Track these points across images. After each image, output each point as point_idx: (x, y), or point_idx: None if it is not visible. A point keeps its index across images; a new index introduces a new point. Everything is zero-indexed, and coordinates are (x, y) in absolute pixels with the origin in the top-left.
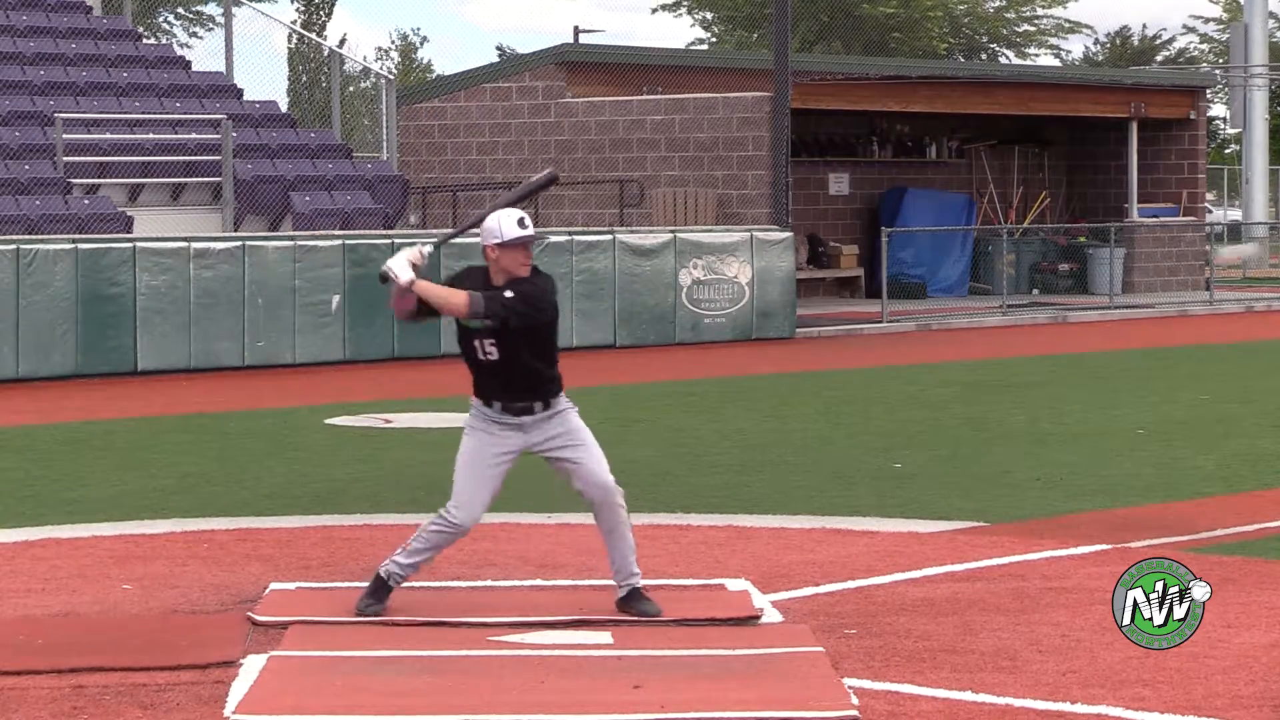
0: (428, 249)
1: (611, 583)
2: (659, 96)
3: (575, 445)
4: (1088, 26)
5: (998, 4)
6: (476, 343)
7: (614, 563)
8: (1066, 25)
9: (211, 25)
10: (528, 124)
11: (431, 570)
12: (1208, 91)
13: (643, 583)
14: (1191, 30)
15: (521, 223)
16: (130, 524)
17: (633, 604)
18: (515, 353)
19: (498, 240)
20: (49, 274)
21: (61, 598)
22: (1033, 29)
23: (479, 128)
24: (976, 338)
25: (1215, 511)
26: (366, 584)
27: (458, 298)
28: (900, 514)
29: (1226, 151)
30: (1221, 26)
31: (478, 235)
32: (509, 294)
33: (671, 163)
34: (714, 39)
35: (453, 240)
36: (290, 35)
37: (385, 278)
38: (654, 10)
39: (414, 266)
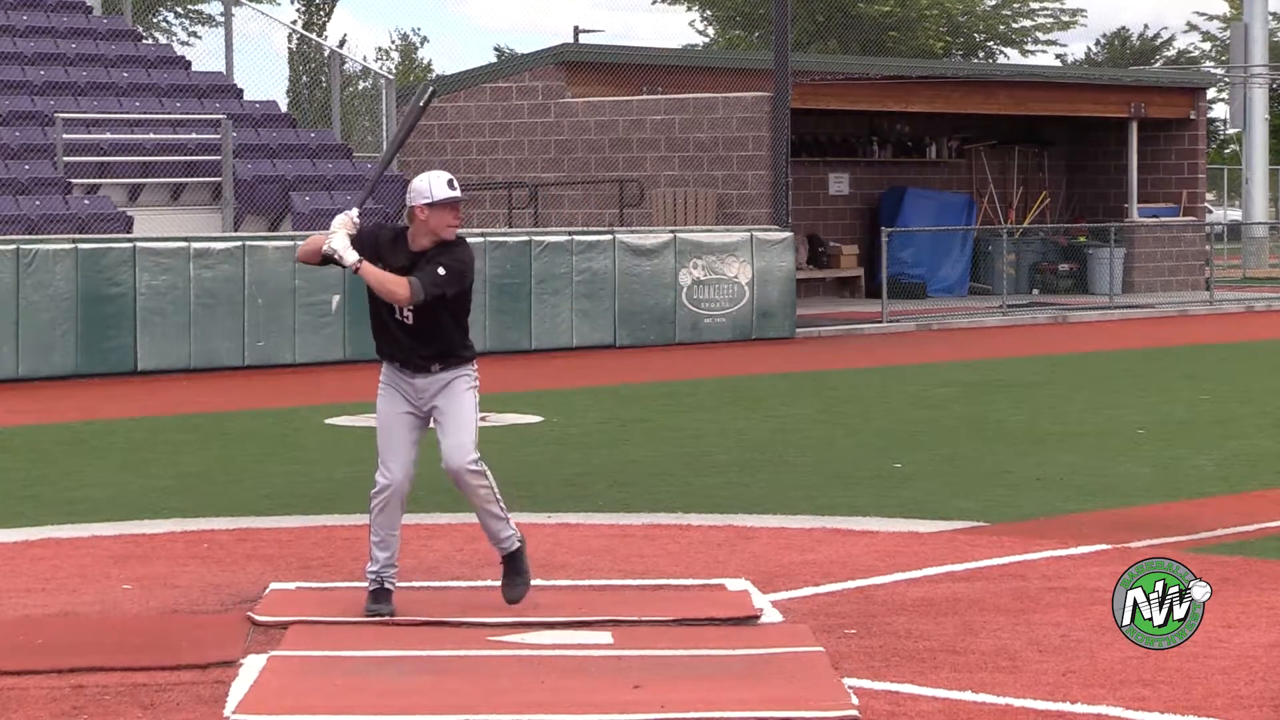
0: (355, 213)
1: (612, 582)
2: (659, 96)
3: (444, 419)
4: (1083, 13)
5: (994, 1)
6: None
7: (488, 537)
8: (1064, 19)
9: (212, 23)
10: (527, 124)
11: (431, 570)
12: (1208, 91)
13: (515, 547)
14: (1194, 28)
15: (451, 183)
16: (130, 524)
17: (509, 566)
18: (430, 320)
19: (427, 200)
20: (49, 274)
21: (61, 598)
22: (1030, 24)
23: (479, 128)
24: (976, 338)
25: (1215, 511)
26: (366, 584)
27: (401, 289)
28: (900, 514)
29: (1226, 152)
30: (1224, 26)
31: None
32: (441, 271)
33: (671, 163)
34: (710, 41)
35: (371, 194)
36: (291, 35)
37: (329, 259)
38: (653, 1)
39: (350, 237)
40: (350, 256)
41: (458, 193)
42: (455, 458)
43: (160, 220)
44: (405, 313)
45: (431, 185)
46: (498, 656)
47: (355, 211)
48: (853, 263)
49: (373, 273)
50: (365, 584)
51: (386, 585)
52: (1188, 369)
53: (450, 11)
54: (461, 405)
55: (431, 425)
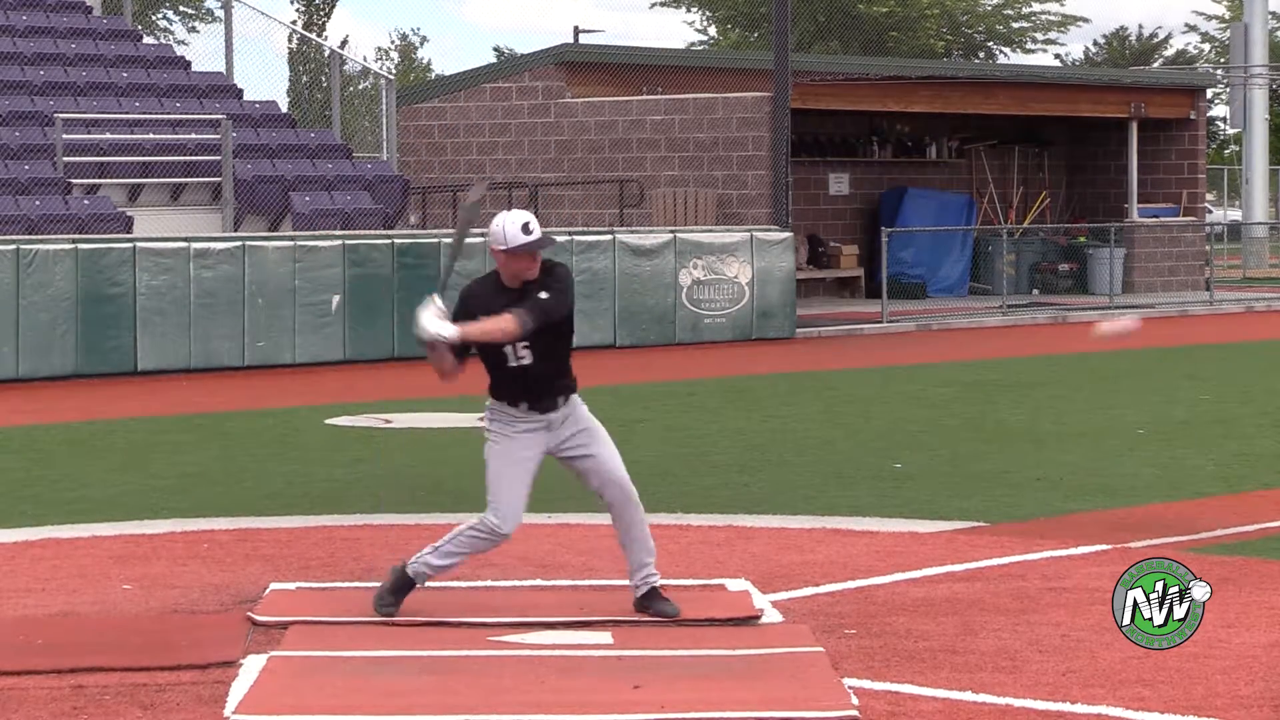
0: (439, 300)
1: (612, 582)
2: (659, 96)
3: (594, 442)
4: (1084, 19)
5: (995, 1)
6: (508, 349)
7: (631, 562)
8: (1062, 20)
9: (210, 19)
10: (527, 124)
11: None
12: (1208, 91)
13: (661, 582)
14: (1193, 29)
15: (526, 228)
16: (130, 524)
17: (650, 604)
18: (548, 352)
19: (503, 248)
20: (49, 274)
21: (61, 598)
22: (1029, 24)
23: (479, 128)
24: (976, 338)
25: (1215, 511)
26: (370, 583)
27: (509, 325)
28: (900, 514)
29: (1226, 152)
30: (1223, 26)
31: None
32: (544, 295)
33: (671, 163)
34: (710, 41)
35: (449, 278)
36: (291, 35)
37: (432, 344)
38: (652, 5)
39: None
40: (448, 330)
41: (534, 237)
42: (622, 478)
43: (160, 220)
44: (520, 354)
45: (505, 231)
46: (498, 656)
47: (439, 299)
48: (853, 263)
49: (474, 329)
50: (368, 581)
51: (418, 582)
52: (1188, 369)
53: (450, 11)
54: (601, 431)
55: (575, 456)
